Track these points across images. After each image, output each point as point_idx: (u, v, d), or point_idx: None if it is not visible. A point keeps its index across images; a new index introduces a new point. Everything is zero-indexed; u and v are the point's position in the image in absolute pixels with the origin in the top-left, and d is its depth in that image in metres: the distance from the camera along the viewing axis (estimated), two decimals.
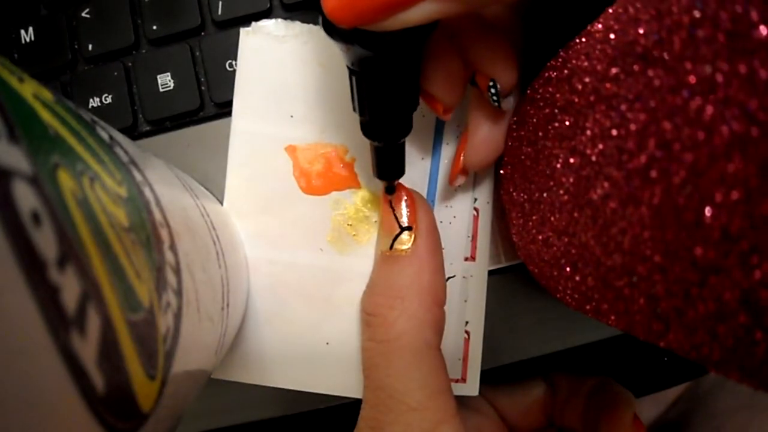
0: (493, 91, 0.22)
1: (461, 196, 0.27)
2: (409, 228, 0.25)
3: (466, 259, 0.27)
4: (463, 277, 0.27)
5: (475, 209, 0.27)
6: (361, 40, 0.18)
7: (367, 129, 0.23)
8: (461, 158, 0.25)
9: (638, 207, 0.15)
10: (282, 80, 0.27)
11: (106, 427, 0.11)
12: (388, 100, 0.21)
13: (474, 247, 0.27)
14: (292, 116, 0.27)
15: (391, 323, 0.23)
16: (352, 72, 0.21)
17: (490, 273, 0.28)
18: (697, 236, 0.14)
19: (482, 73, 0.22)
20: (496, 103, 0.22)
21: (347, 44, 0.19)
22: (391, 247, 0.24)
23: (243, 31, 0.27)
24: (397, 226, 0.25)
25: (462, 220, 0.27)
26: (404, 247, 0.24)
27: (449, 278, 0.27)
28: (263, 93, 0.27)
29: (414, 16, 0.17)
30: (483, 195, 0.27)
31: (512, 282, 0.29)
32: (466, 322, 0.27)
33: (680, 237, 0.14)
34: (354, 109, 0.22)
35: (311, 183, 0.27)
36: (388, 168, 0.24)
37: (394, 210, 0.25)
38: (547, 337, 0.29)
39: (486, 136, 0.24)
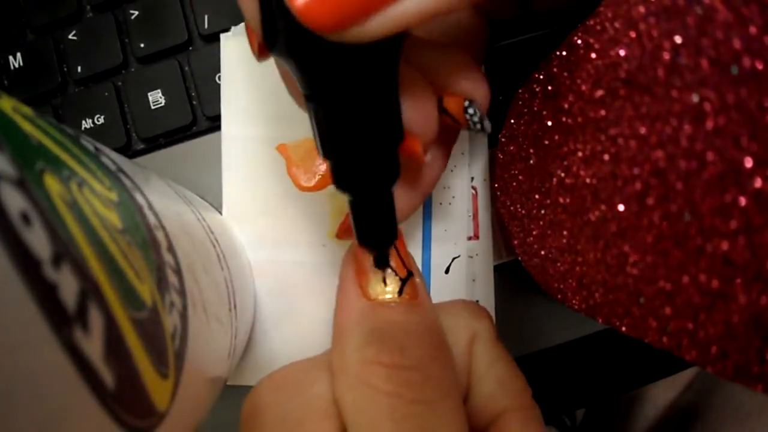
0: (471, 111, 0.18)
1: (458, 176, 0.27)
2: (411, 274, 0.21)
3: (470, 238, 0.27)
4: (469, 256, 0.27)
5: (473, 188, 0.27)
6: (324, 53, 0.14)
7: (339, 176, 0.16)
8: None
9: (638, 232, 0.15)
10: (266, 80, 0.27)
11: (121, 424, 0.12)
12: (363, 131, 0.15)
13: (476, 226, 0.27)
14: (280, 115, 0.27)
15: (438, 379, 0.19)
16: (310, 99, 0.15)
17: (496, 268, 0.27)
18: (700, 263, 0.13)
19: (453, 93, 0.19)
20: (479, 125, 0.18)
21: (311, 62, 0.14)
22: (400, 292, 0.20)
23: (223, 36, 0.28)
24: (402, 270, 0.20)
25: (461, 199, 0.27)
26: (391, 295, 0.20)
27: (454, 258, 0.27)
28: (249, 95, 0.27)
29: (410, 6, 0.13)
30: (479, 173, 0.27)
31: (520, 273, 0.29)
32: (477, 301, 0.27)
33: (683, 263, 0.14)
34: (319, 152, 0.16)
35: (306, 179, 0.27)
36: (375, 230, 0.17)
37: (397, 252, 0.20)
38: (563, 326, 0.29)
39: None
